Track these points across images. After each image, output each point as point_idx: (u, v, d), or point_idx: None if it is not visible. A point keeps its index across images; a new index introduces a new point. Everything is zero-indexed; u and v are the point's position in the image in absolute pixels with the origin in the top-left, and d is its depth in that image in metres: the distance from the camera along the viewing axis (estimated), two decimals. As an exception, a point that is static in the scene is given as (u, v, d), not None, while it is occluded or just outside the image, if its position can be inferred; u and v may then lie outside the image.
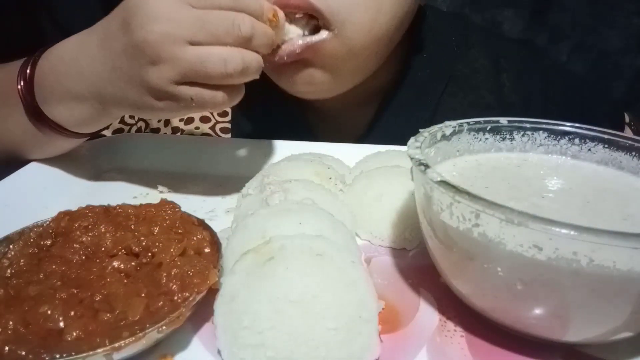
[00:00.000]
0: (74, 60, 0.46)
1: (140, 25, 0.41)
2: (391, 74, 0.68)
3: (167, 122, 0.74)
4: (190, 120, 0.73)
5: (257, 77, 0.45)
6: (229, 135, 0.73)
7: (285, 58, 0.51)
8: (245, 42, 0.43)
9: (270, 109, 0.71)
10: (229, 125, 0.73)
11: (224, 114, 0.73)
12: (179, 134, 0.75)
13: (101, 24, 0.46)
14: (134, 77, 0.43)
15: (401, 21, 0.57)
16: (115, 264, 0.35)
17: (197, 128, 0.73)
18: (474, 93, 0.68)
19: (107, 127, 0.69)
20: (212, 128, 0.73)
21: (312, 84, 0.56)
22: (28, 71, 0.48)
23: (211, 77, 0.42)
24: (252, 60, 0.43)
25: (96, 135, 0.56)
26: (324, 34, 0.51)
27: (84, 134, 0.52)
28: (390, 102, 0.68)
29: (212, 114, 0.73)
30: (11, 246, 0.38)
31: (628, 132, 0.69)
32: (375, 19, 0.53)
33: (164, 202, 0.41)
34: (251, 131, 0.71)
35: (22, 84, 0.48)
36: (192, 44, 0.41)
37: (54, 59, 0.48)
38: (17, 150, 0.54)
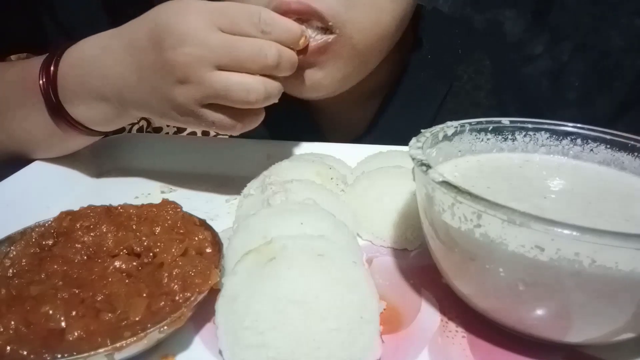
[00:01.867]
0: (98, 62, 0.47)
1: (172, 46, 0.42)
2: (391, 72, 0.68)
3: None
4: None
5: (277, 101, 0.47)
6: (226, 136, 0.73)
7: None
8: (271, 70, 0.44)
9: (270, 107, 0.70)
10: None
11: None
12: (174, 131, 0.75)
13: (125, 30, 0.46)
14: (160, 91, 0.44)
15: (402, 19, 0.57)
16: (117, 264, 0.35)
17: None
18: (477, 94, 0.68)
19: None
20: None
21: (318, 89, 0.55)
22: (52, 68, 0.48)
23: (233, 103, 0.44)
24: (274, 89, 0.45)
25: (110, 132, 0.56)
26: (329, 37, 0.51)
27: (101, 132, 0.53)
28: (392, 101, 0.68)
29: None
30: (13, 246, 0.38)
31: None
32: (377, 18, 0.53)
33: (165, 202, 0.41)
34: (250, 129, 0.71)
35: (43, 79, 0.48)
36: (219, 68, 0.42)
37: (75, 60, 0.48)
38: (30, 148, 0.54)
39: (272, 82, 0.45)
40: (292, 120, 0.69)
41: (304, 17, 0.49)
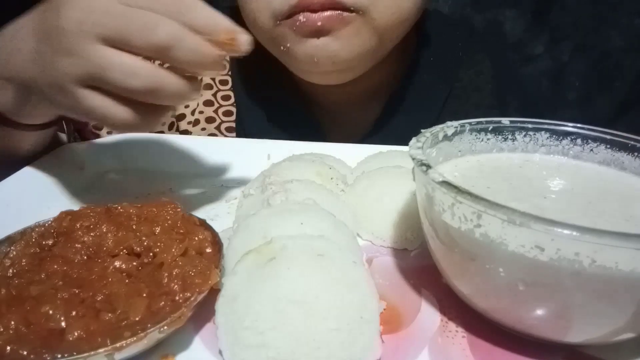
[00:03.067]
0: (8, 42, 0.44)
1: (57, 8, 0.37)
2: (394, 74, 0.69)
3: (171, 126, 0.74)
4: (196, 122, 0.73)
5: (184, 103, 0.42)
6: (234, 134, 0.73)
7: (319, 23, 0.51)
8: (161, 52, 0.37)
9: (276, 106, 0.71)
10: (234, 125, 0.73)
11: (228, 113, 0.73)
12: (177, 133, 0.75)
13: (37, 8, 0.42)
14: (47, 64, 0.39)
15: (420, 7, 0.58)
16: (117, 264, 0.35)
17: (203, 129, 0.73)
18: (477, 94, 0.69)
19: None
20: (218, 128, 0.73)
21: (335, 62, 0.55)
22: None
23: (111, 86, 0.38)
24: (171, 84, 0.38)
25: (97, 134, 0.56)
26: (350, 14, 0.52)
27: (31, 125, 0.49)
28: (395, 103, 0.69)
29: (216, 113, 0.73)
30: (13, 246, 0.38)
31: None
32: (400, 4, 0.55)
33: (165, 202, 0.41)
34: (256, 129, 0.71)
35: None
36: (106, 41, 0.37)
37: None
38: None
39: (170, 76, 0.38)
40: (297, 121, 0.70)
41: (327, 6, 0.50)
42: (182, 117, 0.72)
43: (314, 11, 0.52)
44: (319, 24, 0.52)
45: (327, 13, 0.51)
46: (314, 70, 0.57)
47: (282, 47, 0.56)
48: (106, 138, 0.64)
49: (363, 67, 0.60)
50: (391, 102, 0.69)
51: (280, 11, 0.53)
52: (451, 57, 0.71)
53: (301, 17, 0.52)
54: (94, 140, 0.63)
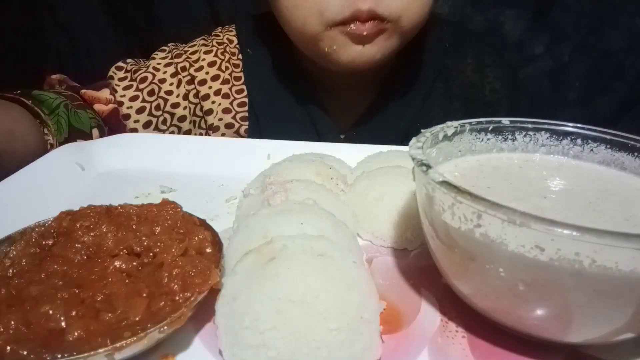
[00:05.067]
0: None
1: None
2: (391, 61, 0.78)
3: (194, 123, 0.78)
4: (215, 114, 0.79)
5: None
6: (247, 123, 0.79)
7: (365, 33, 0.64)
8: None
9: (285, 88, 0.80)
10: (247, 114, 0.80)
11: (242, 104, 0.79)
12: (188, 130, 0.79)
13: None
14: None
15: (432, 7, 0.70)
16: (117, 264, 0.35)
17: (220, 119, 0.79)
18: (461, 75, 0.80)
19: (137, 121, 0.74)
20: (234, 117, 0.79)
21: (370, 62, 0.68)
22: None
23: None
24: None
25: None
26: (384, 24, 0.64)
27: None
28: (389, 86, 0.80)
29: (231, 104, 0.79)
30: (13, 246, 0.38)
31: None
32: (422, 11, 0.68)
33: (165, 202, 0.41)
34: (266, 111, 0.79)
35: None
36: None
37: None
38: None
39: None
40: (304, 101, 0.79)
41: (371, 18, 0.63)
42: (209, 112, 0.79)
43: (363, 22, 0.64)
44: (365, 33, 0.64)
45: (370, 22, 0.63)
46: (357, 59, 0.68)
47: (327, 49, 0.68)
48: (106, 138, 0.64)
49: (387, 61, 0.72)
50: (387, 83, 0.80)
51: (333, 20, 0.64)
52: (439, 46, 0.81)
53: (352, 25, 0.64)
54: (93, 140, 0.63)
